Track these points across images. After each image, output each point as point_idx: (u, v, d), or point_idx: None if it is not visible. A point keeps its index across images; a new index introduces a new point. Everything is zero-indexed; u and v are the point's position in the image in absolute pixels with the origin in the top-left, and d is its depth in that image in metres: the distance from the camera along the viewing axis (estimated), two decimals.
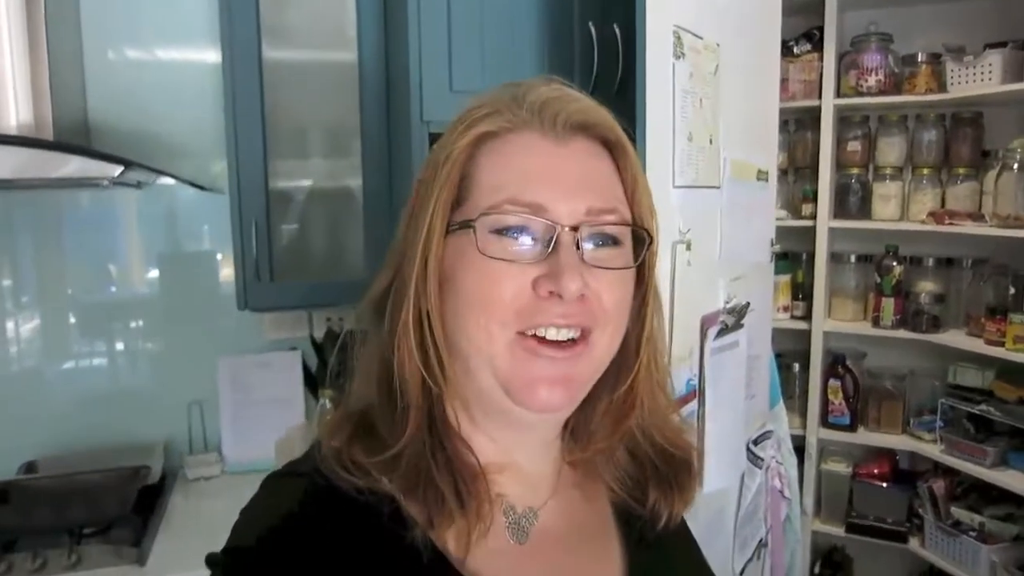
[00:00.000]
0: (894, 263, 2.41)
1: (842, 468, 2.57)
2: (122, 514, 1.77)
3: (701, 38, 1.41)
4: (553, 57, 1.72)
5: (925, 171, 2.43)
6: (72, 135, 1.92)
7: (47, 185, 2.03)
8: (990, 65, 2.17)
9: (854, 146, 2.52)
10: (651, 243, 0.67)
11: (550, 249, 0.61)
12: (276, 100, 2.00)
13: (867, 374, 2.56)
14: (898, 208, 2.47)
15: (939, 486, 2.35)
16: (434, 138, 1.12)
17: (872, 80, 2.40)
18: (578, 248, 0.61)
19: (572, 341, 0.63)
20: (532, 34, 1.71)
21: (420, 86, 1.64)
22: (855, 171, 2.52)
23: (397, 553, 0.60)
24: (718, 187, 1.52)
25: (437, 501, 0.62)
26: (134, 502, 1.82)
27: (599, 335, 0.64)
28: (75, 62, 2.05)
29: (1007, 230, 2.11)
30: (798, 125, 2.64)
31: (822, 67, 2.46)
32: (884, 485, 2.51)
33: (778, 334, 2.09)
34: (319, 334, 2.28)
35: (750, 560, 1.70)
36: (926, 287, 2.42)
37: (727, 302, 1.54)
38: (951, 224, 2.26)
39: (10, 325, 2.11)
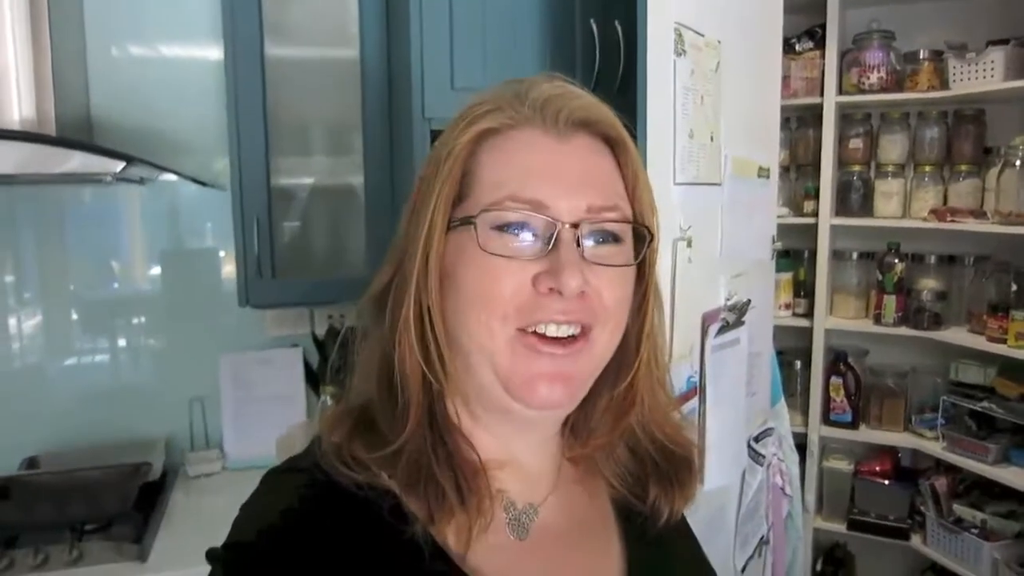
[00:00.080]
0: (896, 260, 2.41)
1: (844, 465, 2.57)
2: (123, 510, 1.77)
3: (702, 35, 1.41)
4: (555, 54, 1.72)
5: (927, 168, 2.43)
6: (75, 131, 1.92)
7: (50, 181, 2.04)
8: (992, 62, 2.17)
9: (856, 143, 2.52)
10: (652, 240, 0.67)
11: (551, 246, 0.61)
12: (278, 97, 2.00)
13: (869, 371, 2.55)
14: (900, 205, 2.47)
15: (941, 483, 2.35)
16: (436, 135, 1.12)
17: (874, 77, 2.39)
18: (579, 245, 0.61)
19: (572, 338, 0.63)
20: (534, 31, 1.71)
21: (422, 83, 1.64)
22: (857, 168, 2.52)
23: (397, 549, 0.60)
24: (719, 184, 1.51)
25: (437, 497, 0.62)
26: (135, 498, 1.82)
27: (599, 332, 0.64)
28: (78, 58, 2.05)
29: (1009, 227, 2.11)
30: (800, 122, 2.64)
31: (824, 64, 2.46)
32: (886, 482, 2.51)
33: (780, 331, 2.08)
34: (321, 331, 2.28)
35: (751, 557, 1.70)
36: (928, 284, 2.42)
37: (728, 299, 1.53)
38: (953, 221, 2.25)
39: (12, 321, 2.12)
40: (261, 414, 2.19)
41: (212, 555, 0.61)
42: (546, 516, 0.70)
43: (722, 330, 1.49)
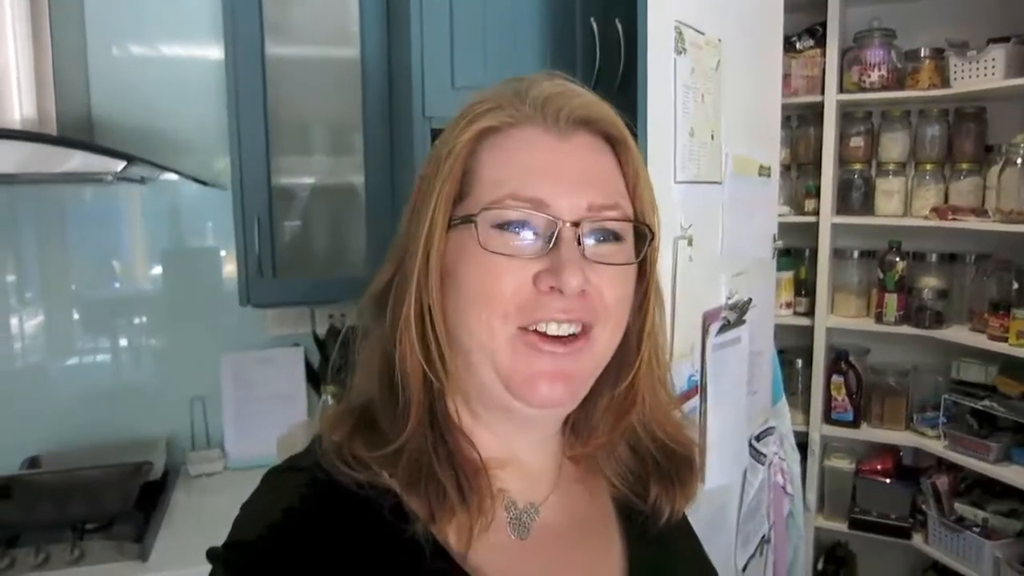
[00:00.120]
0: (897, 259, 2.40)
1: (845, 464, 2.57)
2: (124, 510, 1.78)
3: (703, 33, 1.41)
4: (555, 52, 1.71)
5: (928, 166, 2.42)
6: (76, 130, 1.93)
7: (51, 180, 2.04)
8: (993, 60, 2.17)
9: (857, 142, 2.52)
10: (653, 239, 0.67)
11: (551, 244, 0.61)
12: (279, 96, 2.00)
13: (870, 370, 2.55)
14: (901, 204, 2.46)
15: (942, 482, 2.35)
16: (436, 134, 1.12)
17: (875, 75, 2.39)
18: (579, 244, 0.61)
19: (573, 336, 0.63)
20: (534, 30, 1.71)
21: (422, 82, 1.64)
22: (858, 167, 2.52)
23: (398, 548, 0.60)
24: (720, 183, 1.51)
25: (438, 495, 0.62)
26: (136, 498, 1.82)
27: (600, 331, 0.64)
28: (79, 57, 2.05)
29: (1010, 225, 2.10)
30: (800, 121, 2.64)
31: (824, 62, 2.46)
32: (887, 481, 2.51)
33: (781, 330, 2.08)
34: (322, 330, 2.29)
35: (753, 556, 1.70)
36: (929, 283, 2.42)
37: (729, 298, 1.53)
38: (954, 220, 2.25)
39: (14, 321, 2.12)
40: (262, 413, 2.19)
41: (213, 554, 0.61)
42: (547, 515, 0.70)
43: (723, 329, 1.49)
